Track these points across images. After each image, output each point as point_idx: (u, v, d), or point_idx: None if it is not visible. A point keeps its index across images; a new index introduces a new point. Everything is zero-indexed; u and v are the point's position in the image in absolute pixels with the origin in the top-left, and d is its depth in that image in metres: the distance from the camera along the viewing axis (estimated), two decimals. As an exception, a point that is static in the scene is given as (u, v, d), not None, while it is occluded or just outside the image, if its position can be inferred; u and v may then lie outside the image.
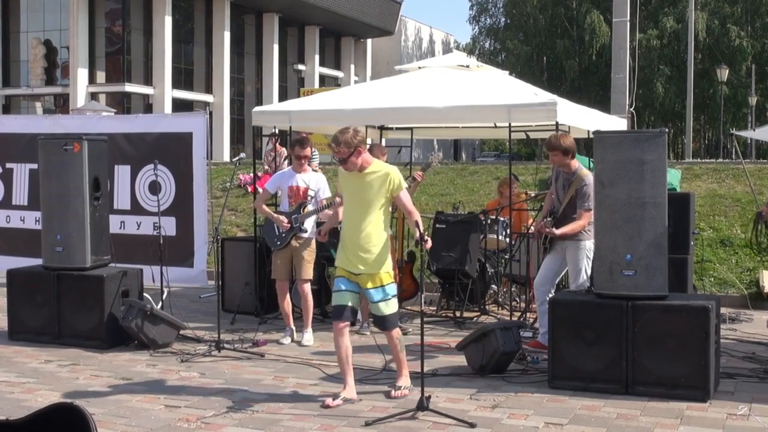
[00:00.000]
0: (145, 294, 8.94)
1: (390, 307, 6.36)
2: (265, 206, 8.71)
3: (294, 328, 8.69)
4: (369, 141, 11.93)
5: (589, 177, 7.69)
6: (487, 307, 10.03)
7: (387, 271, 6.36)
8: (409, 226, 6.83)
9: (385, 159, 9.08)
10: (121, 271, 8.54)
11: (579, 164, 7.89)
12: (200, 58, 47.11)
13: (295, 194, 8.56)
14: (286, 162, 15.58)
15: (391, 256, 6.57)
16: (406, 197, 6.39)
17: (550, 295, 7.86)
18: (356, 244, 6.29)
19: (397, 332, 6.49)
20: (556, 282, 8.13)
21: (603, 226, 6.68)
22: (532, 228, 8.74)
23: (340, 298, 6.37)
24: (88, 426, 3.93)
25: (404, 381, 6.61)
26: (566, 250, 7.83)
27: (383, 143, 11.62)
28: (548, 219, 7.77)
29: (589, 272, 7.75)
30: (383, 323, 6.43)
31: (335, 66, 57.66)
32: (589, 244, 7.73)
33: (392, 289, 6.39)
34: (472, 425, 5.73)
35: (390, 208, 6.57)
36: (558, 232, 7.62)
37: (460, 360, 7.45)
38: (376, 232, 6.29)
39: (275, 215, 8.49)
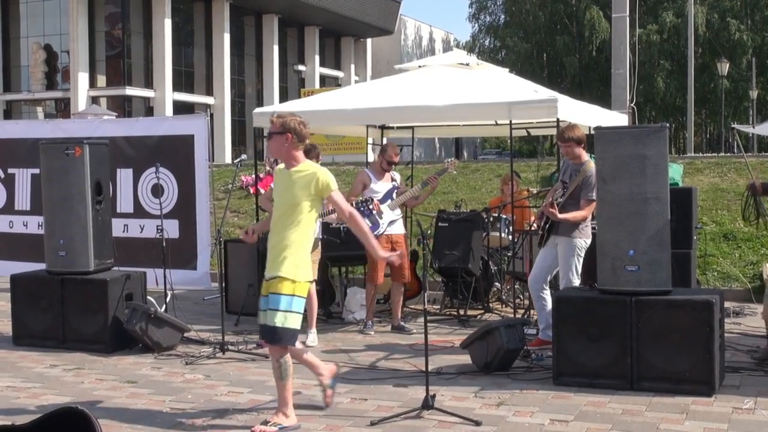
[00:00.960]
0: (148, 297, 8.95)
1: (287, 320, 5.59)
2: (271, 205, 8.74)
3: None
4: (371, 140, 11.94)
5: (595, 170, 7.73)
6: (490, 304, 10.03)
7: (298, 281, 5.66)
8: (352, 229, 6.14)
9: (398, 159, 9.11)
10: (124, 275, 8.54)
11: (588, 157, 7.91)
12: (200, 61, 47.13)
13: None
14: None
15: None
16: (338, 197, 5.83)
17: (545, 292, 7.89)
18: (276, 246, 5.75)
19: (285, 354, 5.69)
20: (549, 279, 8.10)
21: (605, 222, 6.68)
22: (534, 224, 8.74)
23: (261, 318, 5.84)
24: (94, 430, 3.93)
25: (278, 418, 5.68)
26: (558, 246, 7.83)
27: (384, 142, 11.62)
28: (557, 193, 7.79)
29: (579, 270, 7.76)
30: (271, 335, 5.64)
31: (335, 66, 57.67)
32: (580, 243, 7.74)
33: (298, 304, 5.67)
34: (477, 423, 5.72)
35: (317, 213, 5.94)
36: (561, 216, 7.63)
37: (465, 358, 7.45)
38: (296, 235, 5.71)
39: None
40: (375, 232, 8.78)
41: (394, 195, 9.00)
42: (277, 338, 5.64)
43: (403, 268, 8.96)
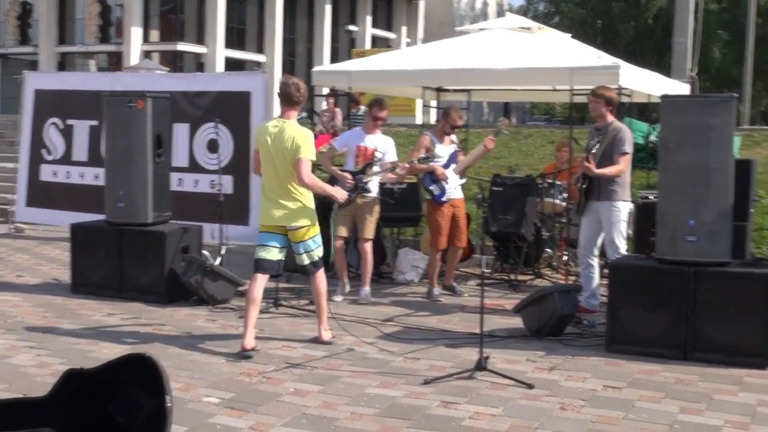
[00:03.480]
0: (203, 251, 9.05)
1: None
2: (330, 164, 8.77)
3: (347, 283, 8.73)
4: (425, 102, 11.90)
5: (623, 127, 7.85)
6: (541, 270, 10.01)
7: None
8: None
9: (462, 123, 8.99)
10: (181, 228, 8.65)
11: (614, 118, 7.88)
12: (252, 18, 47.07)
13: (362, 154, 8.61)
14: (339, 122, 15.63)
15: None
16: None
17: (593, 260, 7.86)
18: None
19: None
20: (599, 244, 8.04)
21: (667, 192, 6.63)
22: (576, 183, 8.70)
23: None
24: (161, 376, 4.02)
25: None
26: (600, 213, 7.79)
27: (435, 104, 11.56)
28: (592, 143, 7.78)
29: (624, 234, 7.73)
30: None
31: (387, 27, 57.26)
32: (623, 205, 7.71)
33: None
34: (530, 386, 5.76)
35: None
36: (597, 171, 7.61)
37: (515, 322, 7.48)
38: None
39: (340, 172, 8.54)
40: (443, 198, 8.71)
41: (459, 158, 8.91)
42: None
43: (461, 232, 8.94)
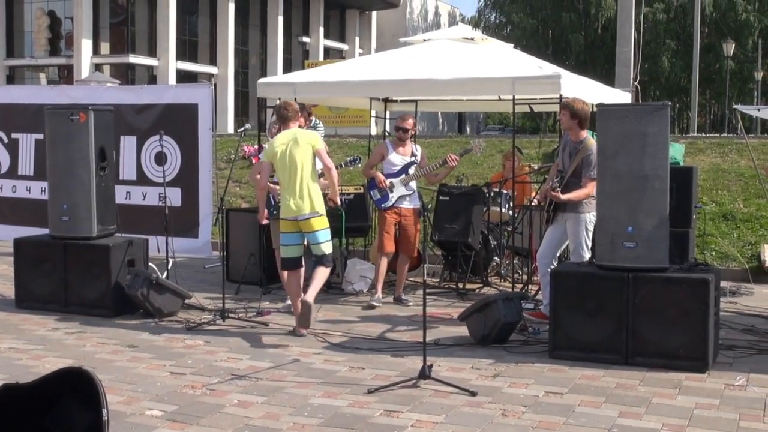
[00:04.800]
0: (150, 264, 9.00)
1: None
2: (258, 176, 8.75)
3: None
4: (374, 113, 11.95)
5: (595, 146, 7.75)
6: (489, 278, 10.09)
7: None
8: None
9: (409, 126, 9.08)
10: (126, 241, 8.61)
11: (587, 134, 7.92)
12: (204, 30, 46.96)
13: None
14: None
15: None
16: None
17: (553, 267, 7.94)
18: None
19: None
20: (558, 254, 8.18)
21: (605, 198, 6.73)
22: (535, 200, 8.76)
23: None
24: (96, 390, 4.02)
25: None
26: (567, 222, 7.88)
27: (387, 115, 11.63)
28: (555, 181, 7.80)
29: (589, 245, 7.81)
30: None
31: (340, 38, 57.44)
32: (589, 217, 7.78)
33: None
34: (473, 393, 5.80)
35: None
36: (564, 197, 7.66)
37: (462, 331, 7.53)
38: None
39: (270, 185, 8.52)
40: (384, 204, 8.84)
41: (410, 170, 8.98)
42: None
43: (408, 241, 9.00)
